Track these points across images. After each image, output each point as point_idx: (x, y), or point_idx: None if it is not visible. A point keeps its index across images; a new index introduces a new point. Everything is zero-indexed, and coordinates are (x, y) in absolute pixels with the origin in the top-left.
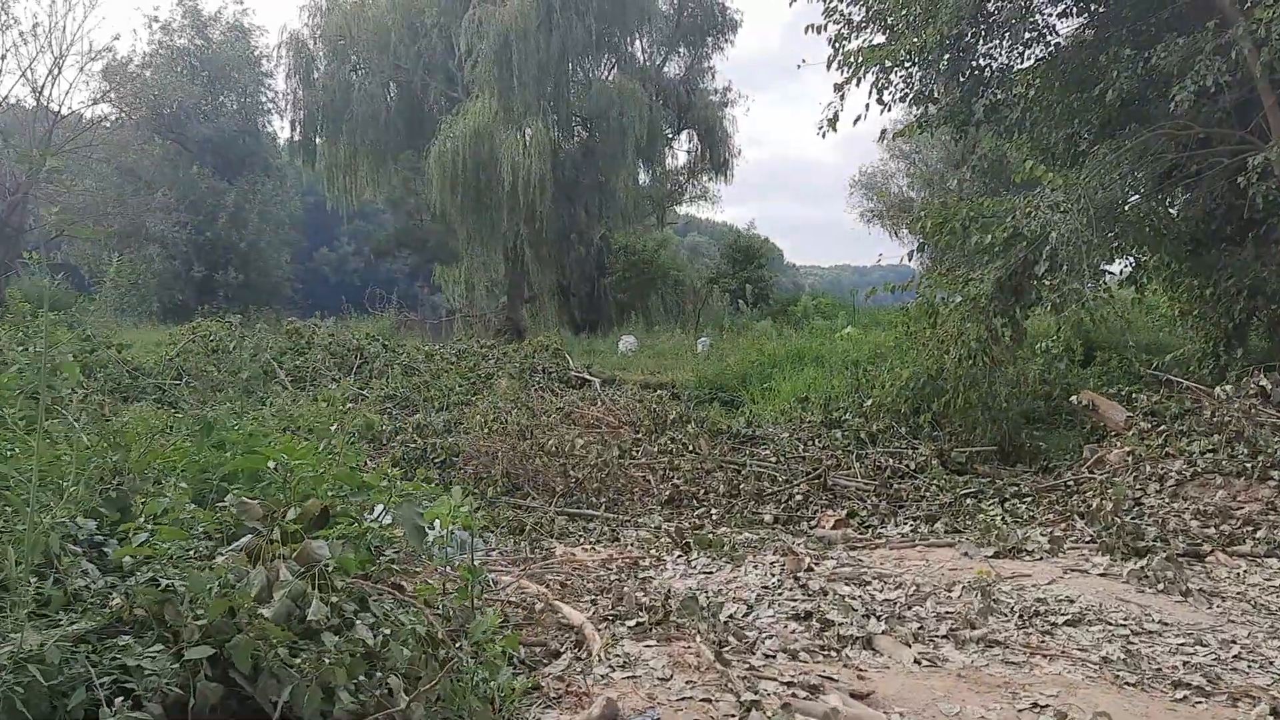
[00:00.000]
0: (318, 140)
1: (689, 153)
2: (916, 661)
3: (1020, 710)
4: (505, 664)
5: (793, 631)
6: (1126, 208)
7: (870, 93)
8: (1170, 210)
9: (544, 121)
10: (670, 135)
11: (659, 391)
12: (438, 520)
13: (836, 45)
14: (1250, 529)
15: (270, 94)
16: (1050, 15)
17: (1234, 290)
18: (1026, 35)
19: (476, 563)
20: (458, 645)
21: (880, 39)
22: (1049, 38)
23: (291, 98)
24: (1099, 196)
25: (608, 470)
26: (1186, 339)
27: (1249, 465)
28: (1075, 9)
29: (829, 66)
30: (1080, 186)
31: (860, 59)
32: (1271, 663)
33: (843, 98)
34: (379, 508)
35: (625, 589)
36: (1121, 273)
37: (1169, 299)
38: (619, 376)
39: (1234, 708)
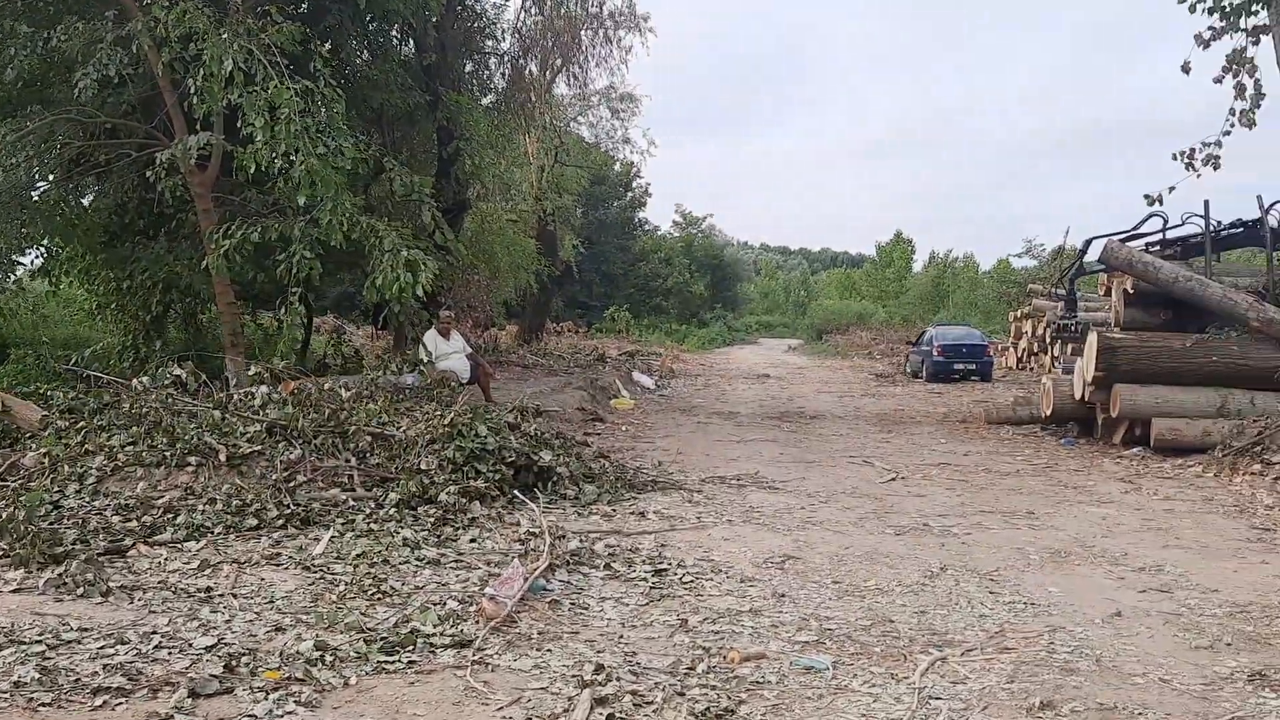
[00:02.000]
0: None
1: None
2: None
3: None
4: None
5: None
6: (36, 195)
7: None
8: (82, 201)
9: None
10: None
11: None
12: None
13: None
14: (171, 516)
15: None
16: None
17: (150, 283)
18: None
19: None
20: None
21: None
22: None
23: None
24: (3, 181)
25: None
26: (107, 332)
27: (168, 454)
28: None
29: None
30: None
31: None
32: (191, 644)
33: None
34: None
35: None
36: (33, 264)
37: (87, 292)
38: None
39: (155, 699)
